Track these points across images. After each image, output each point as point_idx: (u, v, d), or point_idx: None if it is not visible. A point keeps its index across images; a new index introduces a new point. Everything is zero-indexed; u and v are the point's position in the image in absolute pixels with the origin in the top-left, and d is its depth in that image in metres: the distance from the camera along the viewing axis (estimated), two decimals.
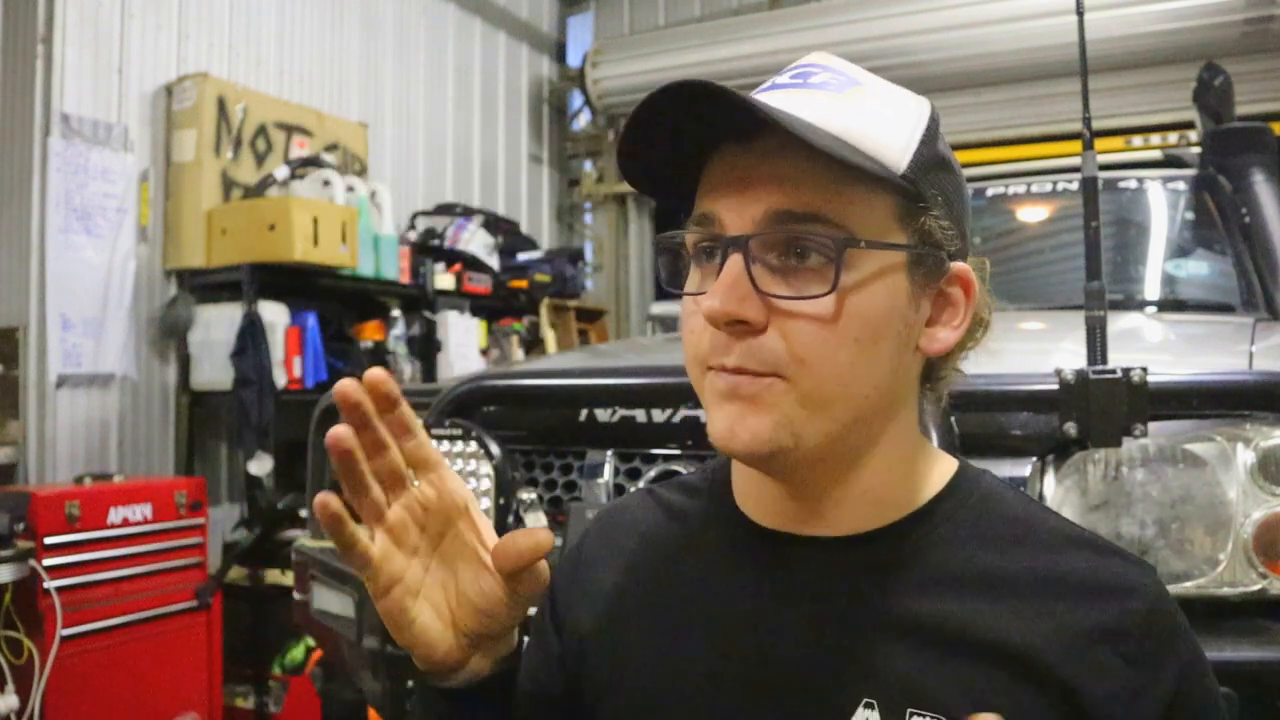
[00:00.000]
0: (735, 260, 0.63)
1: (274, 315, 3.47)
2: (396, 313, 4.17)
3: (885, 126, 0.65)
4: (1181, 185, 2.76)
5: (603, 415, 1.67)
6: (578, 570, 0.83)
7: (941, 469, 0.73)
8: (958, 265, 0.69)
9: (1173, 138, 4.35)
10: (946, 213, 0.67)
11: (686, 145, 0.67)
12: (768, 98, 0.66)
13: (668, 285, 0.72)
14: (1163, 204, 2.76)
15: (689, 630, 0.72)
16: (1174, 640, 0.66)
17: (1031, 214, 2.88)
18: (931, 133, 0.68)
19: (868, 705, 0.65)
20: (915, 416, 0.72)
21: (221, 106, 3.60)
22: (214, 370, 3.44)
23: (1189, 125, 3.57)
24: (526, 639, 0.78)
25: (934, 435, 1.26)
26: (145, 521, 2.94)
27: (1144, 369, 1.21)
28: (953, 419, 1.31)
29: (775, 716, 0.67)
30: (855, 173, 0.62)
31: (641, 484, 1.67)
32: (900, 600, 0.67)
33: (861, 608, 0.67)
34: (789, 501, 0.71)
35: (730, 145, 0.66)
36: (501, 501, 1.68)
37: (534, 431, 1.83)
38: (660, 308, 3.40)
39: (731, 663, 0.69)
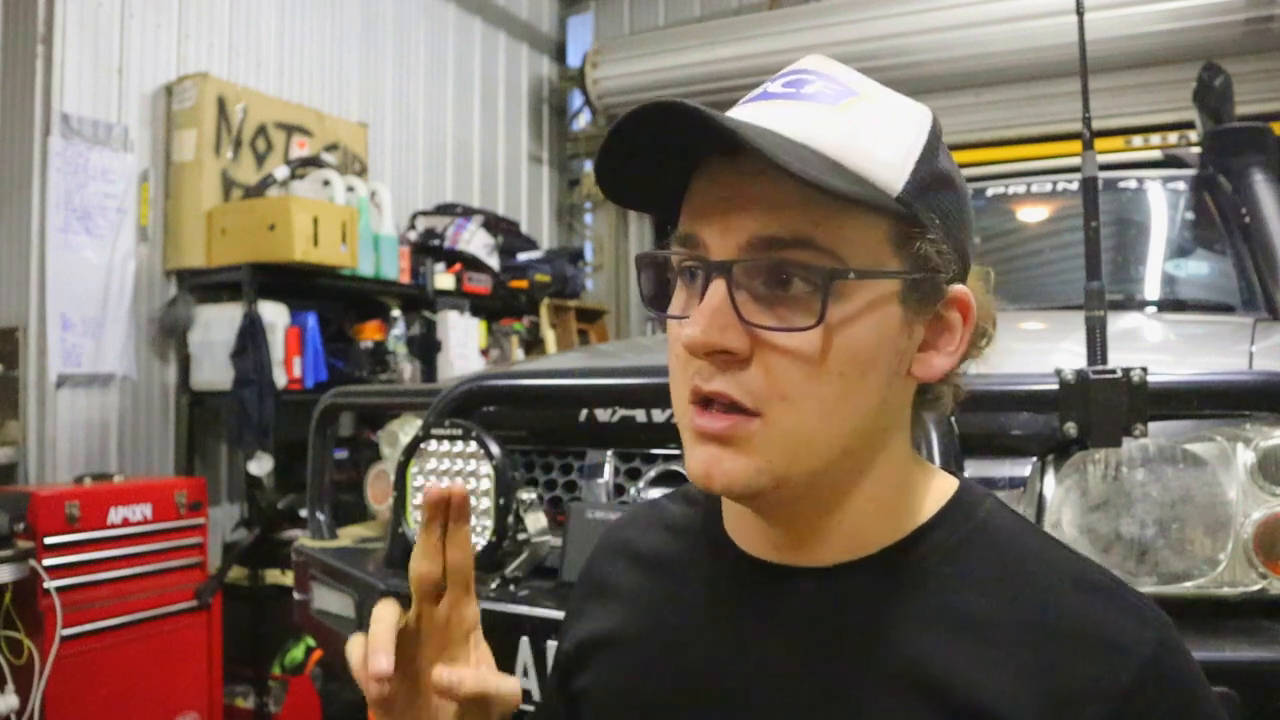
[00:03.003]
0: (718, 287, 0.60)
1: (274, 315, 3.47)
2: (396, 313, 4.16)
3: (881, 143, 0.61)
4: (1181, 185, 2.76)
5: (603, 415, 1.67)
6: (585, 604, 0.83)
7: (938, 492, 0.69)
8: (956, 288, 0.65)
9: (1173, 138, 4.35)
10: (945, 235, 0.63)
11: (672, 158, 0.64)
12: (757, 109, 0.63)
13: (648, 305, 0.69)
14: (1163, 204, 2.76)
15: (674, 662, 0.71)
16: (1171, 705, 0.59)
17: (1031, 214, 2.88)
18: (931, 147, 0.64)
19: None
20: (908, 440, 0.69)
21: (221, 106, 3.60)
22: (214, 370, 3.44)
23: (1189, 125, 3.57)
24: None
25: (934, 437, 1.26)
26: (145, 521, 2.94)
27: (1144, 369, 1.21)
28: (953, 419, 1.31)
29: None
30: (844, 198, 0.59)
31: (641, 484, 1.67)
32: (883, 636, 0.63)
33: (843, 643, 0.64)
34: (773, 531, 0.68)
35: (717, 159, 0.62)
36: (501, 501, 1.68)
37: (534, 431, 1.83)
38: None
39: (712, 697, 0.68)
